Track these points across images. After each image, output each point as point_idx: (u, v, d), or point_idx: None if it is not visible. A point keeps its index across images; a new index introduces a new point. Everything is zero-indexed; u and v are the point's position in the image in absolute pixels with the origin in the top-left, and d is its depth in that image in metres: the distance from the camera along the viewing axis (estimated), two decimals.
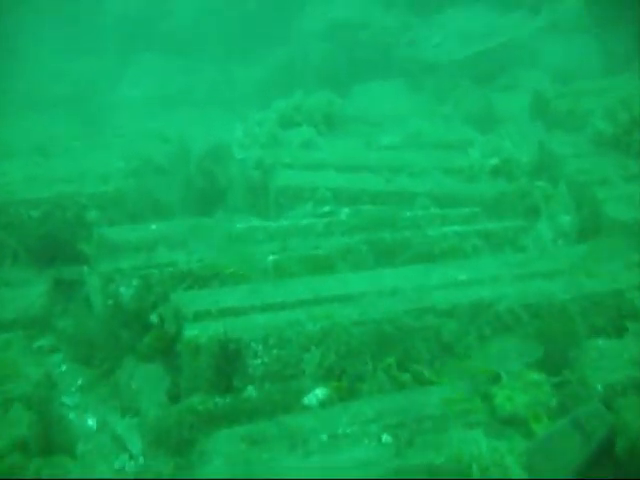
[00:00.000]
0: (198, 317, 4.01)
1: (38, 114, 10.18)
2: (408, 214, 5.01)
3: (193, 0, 12.41)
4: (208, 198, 6.76)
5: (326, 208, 5.11)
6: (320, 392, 3.75)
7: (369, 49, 10.69)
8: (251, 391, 3.80)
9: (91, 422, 4.08)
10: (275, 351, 3.84)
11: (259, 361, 3.83)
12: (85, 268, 4.83)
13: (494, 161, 5.74)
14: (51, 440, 3.73)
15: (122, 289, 4.42)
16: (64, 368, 4.40)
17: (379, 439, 3.37)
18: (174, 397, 3.94)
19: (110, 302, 4.45)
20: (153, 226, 4.93)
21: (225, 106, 10.96)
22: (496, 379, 3.76)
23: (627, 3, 9.58)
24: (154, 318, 4.25)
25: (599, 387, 3.39)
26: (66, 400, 4.13)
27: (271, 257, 4.53)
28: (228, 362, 3.83)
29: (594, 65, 9.85)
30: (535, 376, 3.72)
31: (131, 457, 3.84)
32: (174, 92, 11.17)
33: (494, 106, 8.16)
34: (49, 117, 9.91)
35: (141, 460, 3.80)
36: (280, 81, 11.08)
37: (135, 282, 4.42)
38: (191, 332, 3.84)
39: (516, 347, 3.80)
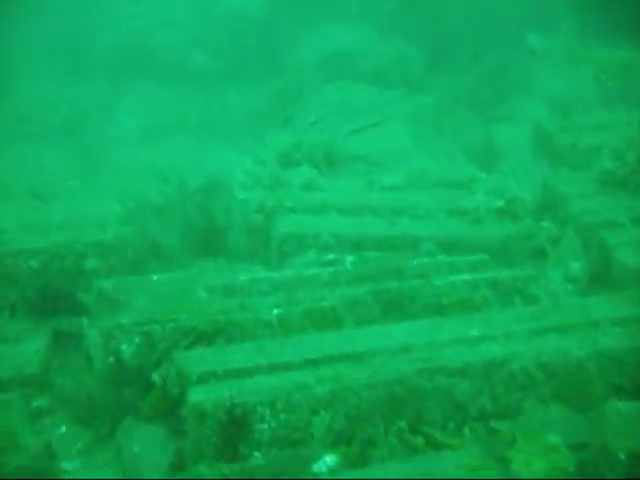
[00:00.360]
0: (202, 379, 3.88)
1: (32, 145, 10.08)
2: (414, 262, 4.92)
3: (187, 30, 12.40)
4: (208, 238, 6.67)
5: (330, 256, 5.01)
6: (330, 459, 3.63)
7: (366, 78, 10.67)
8: (258, 458, 3.67)
9: None
10: (283, 415, 3.71)
11: (266, 426, 3.70)
12: (84, 320, 4.71)
13: (499, 203, 5.65)
14: None
15: (123, 346, 4.30)
16: (63, 430, 4.26)
17: None
18: (178, 463, 3.81)
19: (111, 359, 4.32)
20: (154, 277, 4.82)
21: (220, 134, 10.90)
22: (512, 442, 3.64)
23: (621, 32, 9.60)
24: (156, 377, 4.12)
25: (622, 456, 3.27)
26: (66, 466, 3.99)
27: (275, 311, 4.42)
28: (234, 427, 3.70)
29: (590, 93, 9.84)
30: (552, 439, 3.60)
31: None
32: (168, 121, 11.09)
33: (495, 138, 8.11)
34: (43, 148, 9.81)
35: None
36: (275, 110, 11.04)
37: (137, 339, 4.30)
38: (196, 397, 3.71)
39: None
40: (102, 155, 9.64)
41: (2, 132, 10.66)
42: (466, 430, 3.75)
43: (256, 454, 3.68)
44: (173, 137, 10.61)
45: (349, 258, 5.00)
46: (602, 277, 4.88)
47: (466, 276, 4.68)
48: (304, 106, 9.07)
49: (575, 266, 5.01)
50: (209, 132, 10.98)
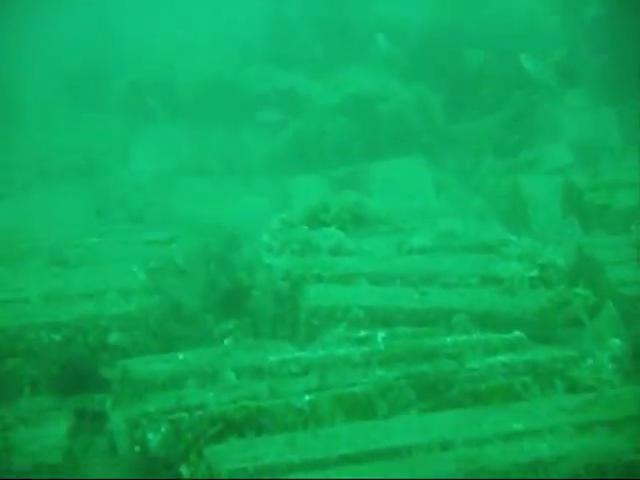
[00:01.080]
0: (233, 476, 3.72)
1: (48, 189, 10.02)
2: (448, 340, 4.74)
3: (204, 68, 12.37)
4: (231, 299, 6.53)
5: (361, 333, 4.84)
6: None
7: (387, 123, 10.56)
8: None
9: None
10: None
11: None
12: (108, 400, 4.57)
13: (533, 272, 5.48)
14: None
15: (150, 435, 4.14)
16: None
17: None
18: None
19: (137, 448, 4.17)
20: (180, 356, 4.66)
21: (239, 177, 10.81)
22: None
23: None
24: (185, 472, 3.96)
25: None
26: None
27: (307, 397, 4.25)
28: None
29: (614, 137, 9.69)
30: None
31: None
32: (186, 162, 11.01)
33: (521, 190, 7.94)
34: (59, 193, 9.74)
35: None
36: (294, 153, 10.94)
37: (163, 427, 4.14)
38: None
39: None
40: (120, 202, 9.59)
41: (18, 175, 10.65)
42: None
43: None
44: (190, 180, 10.56)
45: (381, 334, 4.82)
46: None
47: (503, 357, 4.50)
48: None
49: (616, 343, 4.81)
50: (228, 175, 10.92)
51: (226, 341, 5.97)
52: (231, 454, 3.87)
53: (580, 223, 6.70)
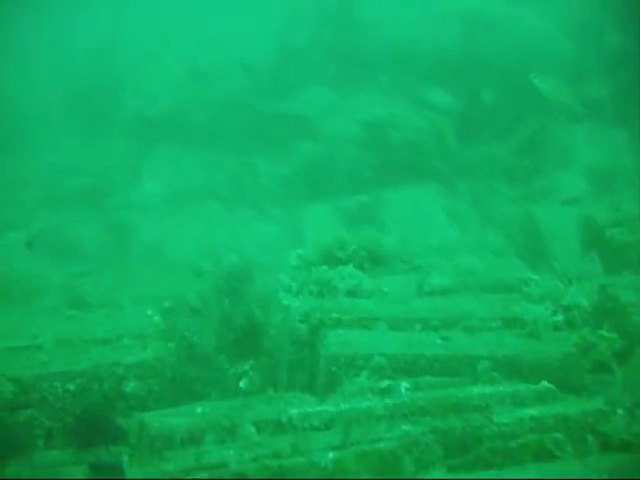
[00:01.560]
0: None
1: (56, 214, 9.93)
2: (474, 390, 4.61)
3: (215, 94, 12.29)
4: (246, 337, 6.42)
5: (384, 383, 4.71)
6: None
7: (400, 150, 10.46)
8: None
9: None
10: None
11: None
12: (125, 458, 4.44)
13: (558, 317, 5.36)
14: None
15: None
16: None
17: None
18: None
19: None
20: (199, 409, 4.54)
21: (250, 203, 10.69)
22: None
23: None
24: None
25: None
26: None
27: (331, 454, 4.12)
28: None
29: (626, 162, 9.57)
30: None
31: None
32: (196, 187, 10.91)
33: (538, 222, 7.81)
34: (68, 219, 9.64)
35: None
36: (306, 179, 10.83)
37: None
38: None
39: None
40: (130, 230, 9.47)
41: (27, 199, 10.57)
42: None
43: None
44: (201, 205, 10.45)
45: (404, 384, 4.69)
46: None
47: (532, 411, 4.37)
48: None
49: None
50: (239, 200, 10.80)
51: (242, 383, 5.88)
52: None
53: (601, 259, 6.57)
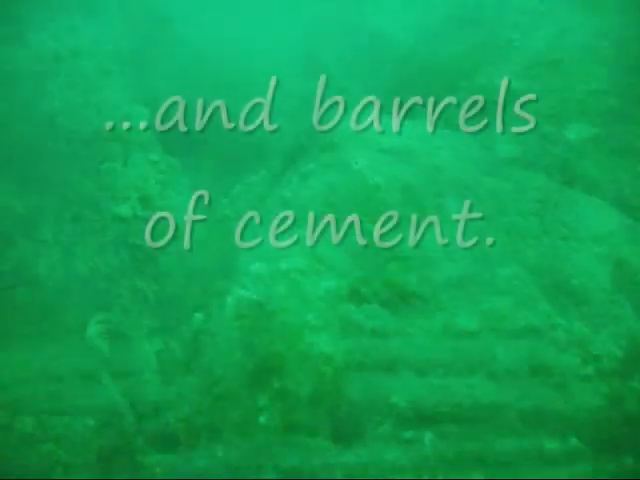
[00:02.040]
0: None
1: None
2: (499, 446, 4.51)
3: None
4: (266, 371, 6.34)
5: (408, 433, 4.63)
6: None
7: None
8: None
9: None
10: None
11: None
12: None
13: (588, 369, 5.24)
14: None
15: None
16: None
17: None
18: None
19: None
20: (219, 453, 4.49)
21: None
22: None
23: None
24: None
25: None
26: None
27: None
28: None
29: None
30: None
31: None
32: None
33: (564, 260, 7.68)
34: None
35: None
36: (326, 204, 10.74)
37: None
38: None
39: None
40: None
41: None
42: None
43: None
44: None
45: (428, 435, 4.62)
46: None
47: (562, 472, 4.26)
48: None
49: None
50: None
51: (261, 418, 5.81)
52: None
53: (631, 304, 6.42)
